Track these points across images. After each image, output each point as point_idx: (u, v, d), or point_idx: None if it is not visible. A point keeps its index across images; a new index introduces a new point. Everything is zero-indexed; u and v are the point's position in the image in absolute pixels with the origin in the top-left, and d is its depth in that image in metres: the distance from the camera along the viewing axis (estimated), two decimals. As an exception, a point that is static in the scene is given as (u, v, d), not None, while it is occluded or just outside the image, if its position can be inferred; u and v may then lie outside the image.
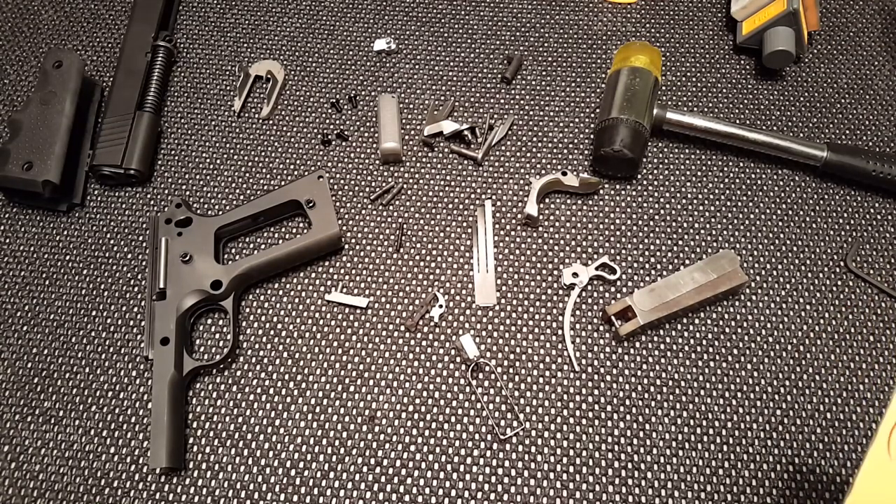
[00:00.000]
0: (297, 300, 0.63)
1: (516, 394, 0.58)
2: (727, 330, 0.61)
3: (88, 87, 0.71)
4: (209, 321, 0.62)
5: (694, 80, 0.72)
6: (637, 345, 0.60)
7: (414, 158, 0.69)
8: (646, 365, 0.59)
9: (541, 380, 0.59)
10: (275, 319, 0.62)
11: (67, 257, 0.65)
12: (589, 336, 0.60)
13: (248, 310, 0.63)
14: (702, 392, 0.58)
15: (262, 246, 0.65)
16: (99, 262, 0.65)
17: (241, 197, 0.68)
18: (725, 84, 0.72)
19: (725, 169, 0.68)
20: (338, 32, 0.76)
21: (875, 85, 0.72)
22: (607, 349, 0.60)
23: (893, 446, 0.30)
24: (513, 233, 0.65)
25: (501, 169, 0.68)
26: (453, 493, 0.55)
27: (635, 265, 0.63)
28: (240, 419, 0.58)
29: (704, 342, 0.60)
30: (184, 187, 0.68)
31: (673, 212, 0.66)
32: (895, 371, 0.59)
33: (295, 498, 0.56)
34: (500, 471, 0.56)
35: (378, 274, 0.64)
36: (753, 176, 0.67)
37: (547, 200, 0.66)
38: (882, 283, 0.62)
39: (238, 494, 0.56)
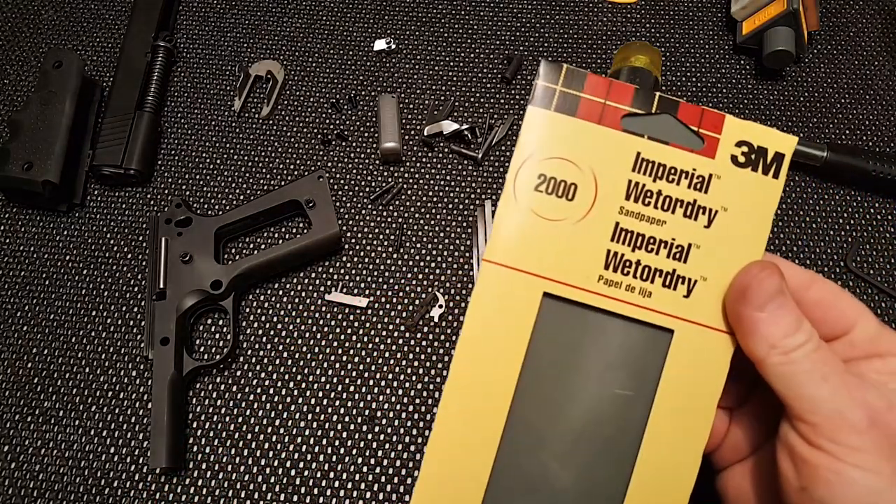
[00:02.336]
0: (297, 300, 0.63)
1: (516, 394, 0.58)
2: (727, 330, 0.61)
3: (88, 87, 0.71)
4: (209, 321, 0.62)
5: (694, 80, 0.72)
6: (637, 345, 0.60)
7: (414, 158, 0.69)
8: (646, 365, 0.59)
9: (541, 380, 0.59)
10: (275, 319, 0.62)
11: (67, 257, 0.65)
12: (589, 336, 0.60)
13: (248, 310, 0.63)
14: (702, 392, 0.58)
15: (262, 246, 0.65)
16: (99, 262, 0.65)
17: (241, 197, 0.68)
18: (725, 84, 0.72)
19: (725, 169, 0.68)
20: (338, 32, 0.76)
21: (875, 85, 0.72)
22: (607, 349, 0.60)
23: (517, 189, 0.31)
24: (513, 233, 0.65)
25: (501, 169, 0.68)
26: (453, 493, 0.55)
27: (635, 265, 0.63)
28: (240, 419, 0.58)
29: (704, 342, 0.60)
30: (184, 187, 0.68)
31: (673, 212, 0.66)
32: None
33: (295, 498, 0.56)
34: (500, 471, 0.56)
35: (378, 274, 0.64)
36: (753, 176, 0.67)
37: (547, 200, 0.66)
38: (882, 283, 0.62)
39: (238, 494, 0.56)
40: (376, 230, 0.65)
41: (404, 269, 0.64)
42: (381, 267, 0.64)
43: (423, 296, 0.63)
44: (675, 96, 0.71)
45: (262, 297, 0.63)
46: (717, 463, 0.36)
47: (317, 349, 0.61)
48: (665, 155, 0.31)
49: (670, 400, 0.30)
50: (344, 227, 0.66)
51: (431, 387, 0.59)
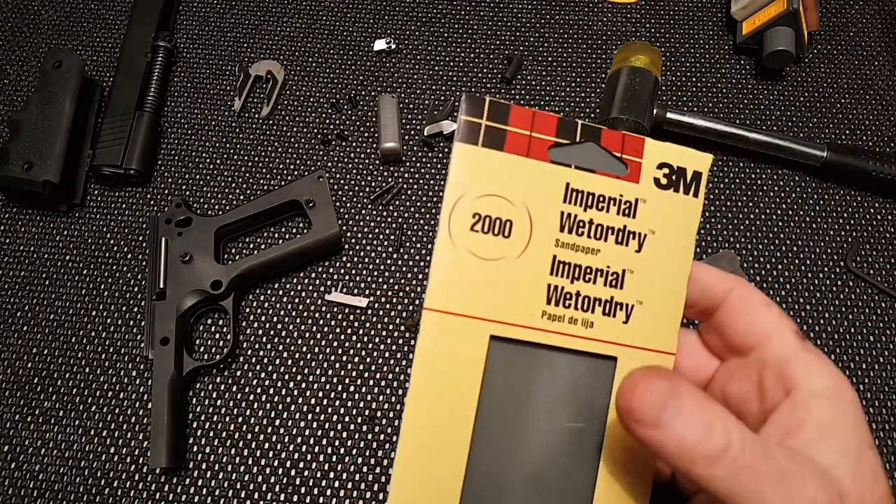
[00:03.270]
0: (297, 300, 0.63)
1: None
2: (727, 330, 0.61)
3: (88, 87, 0.70)
4: (209, 321, 0.62)
5: (694, 80, 0.72)
6: (637, 345, 0.60)
7: (414, 158, 0.69)
8: (646, 365, 0.59)
9: (541, 380, 0.59)
10: (275, 319, 0.62)
11: (67, 257, 0.65)
12: (589, 336, 0.60)
13: (248, 310, 0.63)
14: (702, 392, 0.58)
15: (262, 246, 0.65)
16: (99, 262, 0.65)
17: (241, 197, 0.68)
18: (725, 84, 0.72)
19: (725, 169, 0.68)
20: (338, 32, 0.76)
21: (875, 85, 0.72)
22: (607, 349, 0.60)
23: (453, 231, 0.30)
24: (513, 233, 0.65)
25: (501, 169, 0.68)
26: (453, 493, 0.55)
27: (635, 265, 0.63)
28: (240, 419, 0.58)
29: (704, 342, 0.60)
30: (184, 187, 0.68)
31: (673, 212, 0.66)
32: (895, 371, 0.59)
33: (295, 498, 0.56)
34: (500, 471, 0.56)
35: (378, 274, 0.64)
36: (753, 176, 0.67)
37: (547, 200, 0.66)
38: (882, 283, 0.62)
39: (238, 494, 0.56)
40: (376, 230, 0.65)
41: (404, 269, 0.64)
42: (381, 267, 0.64)
43: (423, 296, 0.63)
44: (675, 96, 0.71)
45: (262, 297, 0.63)
46: (684, 492, 0.34)
47: (317, 349, 0.61)
48: (592, 183, 0.31)
49: (621, 426, 0.30)
50: (344, 227, 0.66)
51: (431, 387, 0.59)
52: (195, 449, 0.57)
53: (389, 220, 0.66)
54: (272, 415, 0.59)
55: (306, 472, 0.57)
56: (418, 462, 0.30)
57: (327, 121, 0.71)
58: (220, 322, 0.62)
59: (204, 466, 0.57)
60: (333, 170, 0.68)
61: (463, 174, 0.30)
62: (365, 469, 0.57)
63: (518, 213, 0.31)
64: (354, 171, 0.68)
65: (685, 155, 0.31)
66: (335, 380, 0.60)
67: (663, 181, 0.31)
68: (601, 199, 0.31)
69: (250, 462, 0.57)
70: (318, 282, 0.63)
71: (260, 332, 0.62)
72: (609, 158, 0.31)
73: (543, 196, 0.31)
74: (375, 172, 0.68)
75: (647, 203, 0.31)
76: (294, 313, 0.62)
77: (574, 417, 0.30)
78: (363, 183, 0.68)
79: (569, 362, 0.31)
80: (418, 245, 0.65)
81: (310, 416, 0.58)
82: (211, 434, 0.58)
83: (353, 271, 0.64)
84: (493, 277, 0.30)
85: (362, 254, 0.65)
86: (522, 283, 0.30)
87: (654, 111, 0.65)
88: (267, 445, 0.58)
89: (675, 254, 0.32)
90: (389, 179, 0.68)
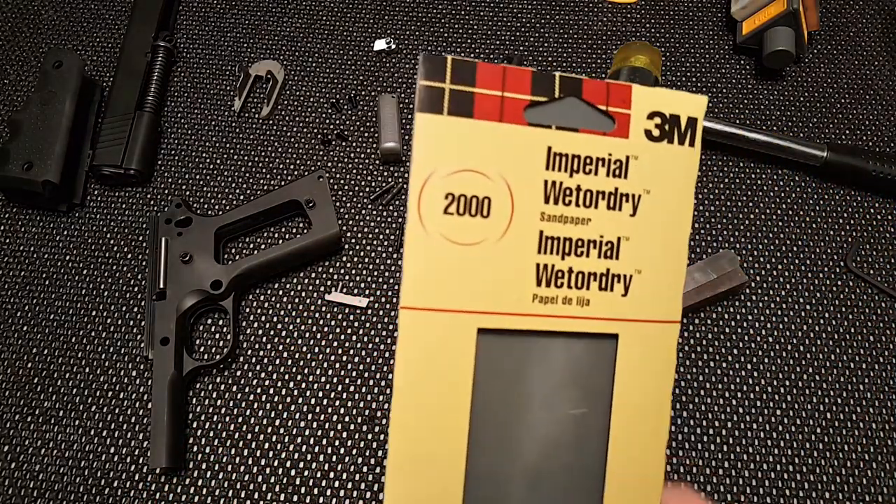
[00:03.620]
0: (297, 300, 0.63)
1: (516, 394, 0.58)
2: (727, 330, 0.61)
3: (88, 87, 0.70)
4: (209, 321, 0.62)
5: (694, 80, 0.72)
6: (637, 345, 0.60)
7: (414, 158, 0.69)
8: (646, 365, 0.59)
9: (541, 380, 0.59)
10: (275, 319, 0.62)
11: (67, 257, 0.65)
12: (589, 336, 0.60)
13: (248, 310, 0.63)
14: (702, 392, 0.58)
15: (262, 246, 0.65)
16: (99, 262, 0.65)
17: (241, 197, 0.68)
18: (725, 84, 0.72)
19: (725, 169, 0.68)
20: (338, 32, 0.76)
21: (875, 85, 0.72)
22: (607, 349, 0.60)
23: (424, 216, 0.27)
24: (513, 233, 0.65)
25: (501, 169, 0.68)
26: (453, 493, 0.55)
27: (635, 265, 0.63)
28: (240, 419, 0.58)
29: (704, 342, 0.60)
30: (184, 187, 0.68)
31: (673, 212, 0.66)
32: (895, 371, 0.59)
33: (295, 498, 0.56)
34: (500, 471, 0.56)
35: (378, 274, 0.64)
36: (753, 176, 0.67)
37: (547, 200, 0.66)
38: (882, 283, 0.62)
39: (238, 494, 0.56)
40: (376, 230, 0.65)
41: (404, 269, 0.64)
42: (381, 267, 0.64)
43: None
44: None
45: (262, 297, 0.63)
46: None
47: (317, 349, 0.61)
48: (577, 144, 0.28)
49: (627, 405, 0.28)
50: (344, 227, 0.66)
51: (431, 387, 0.59)
52: (195, 449, 0.57)
53: (389, 220, 0.66)
54: (272, 415, 0.59)
55: (306, 472, 0.57)
56: (412, 475, 0.27)
57: (327, 121, 0.71)
58: (220, 322, 0.62)
59: (204, 466, 0.57)
60: (333, 170, 0.68)
61: (429, 149, 0.27)
62: (365, 469, 0.57)
63: (496, 187, 0.27)
64: (354, 171, 0.68)
65: (678, 99, 0.28)
66: (335, 380, 0.60)
67: (655, 133, 0.28)
68: (588, 160, 0.28)
69: (250, 462, 0.57)
70: (318, 282, 0.63)
71: (260, 332, 0.62)
72: (593, 113, 0.28)
73: (523, 165, 0.27)
74: (375, 172, 0.68)
75: (639, 160, 0.28)
76: (294, 313, 0.62)
77: (576, 403, 0.28)
78: (363, 183, 0.68)
79: (566, 346, 0.28)
80: (418, 245, 0.65)
81: (310, 416, 0.58)
82: (211, 434, 0.58)
83: (353, 271, 0.64)
84: (474, 264, 0.27)
85: (362, 254, 0.65)
86: (508, 267, 0.28)
87: (654, 111, 0.65)
88: (267, 445, 0.58)
89: (673, 212, 0.29)
90: (389, 179, 0.68)
